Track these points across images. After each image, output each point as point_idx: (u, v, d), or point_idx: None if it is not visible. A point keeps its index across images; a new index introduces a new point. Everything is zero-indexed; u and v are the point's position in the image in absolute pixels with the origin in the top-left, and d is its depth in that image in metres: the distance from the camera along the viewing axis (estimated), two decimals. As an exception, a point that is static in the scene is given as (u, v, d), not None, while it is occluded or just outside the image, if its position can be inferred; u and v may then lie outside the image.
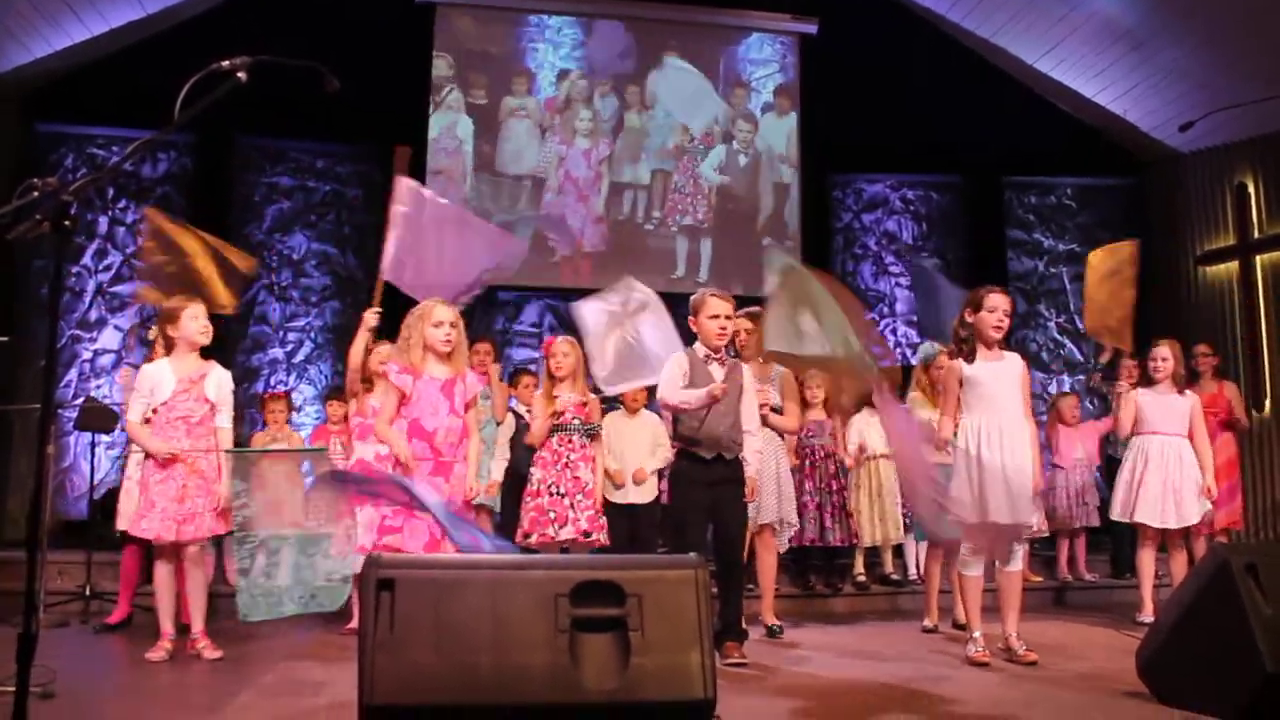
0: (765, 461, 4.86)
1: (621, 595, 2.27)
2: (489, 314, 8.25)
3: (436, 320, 3.98)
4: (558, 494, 4.81)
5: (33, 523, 3.35)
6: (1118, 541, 6.67)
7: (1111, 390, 6.92)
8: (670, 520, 4.67)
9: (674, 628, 2.27)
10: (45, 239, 2.24)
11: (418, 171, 8.02)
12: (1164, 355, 5.32)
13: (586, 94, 8.56)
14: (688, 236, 8.55)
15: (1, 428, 7.37)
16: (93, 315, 7.86)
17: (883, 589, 6.33)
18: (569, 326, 8.16)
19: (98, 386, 7.66)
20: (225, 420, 4.44)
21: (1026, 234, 9.19)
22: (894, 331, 8.93)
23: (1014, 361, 4.39)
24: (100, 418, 5.95)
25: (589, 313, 4.83)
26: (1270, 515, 7.70)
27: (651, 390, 4.87)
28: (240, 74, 2.46)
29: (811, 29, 8.79)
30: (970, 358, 4.33)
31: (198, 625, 4.39)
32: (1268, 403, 7.82)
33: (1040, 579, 6.63)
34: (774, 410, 5.04)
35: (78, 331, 7.80)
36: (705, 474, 4.28)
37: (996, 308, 4.32)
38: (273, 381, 8.02)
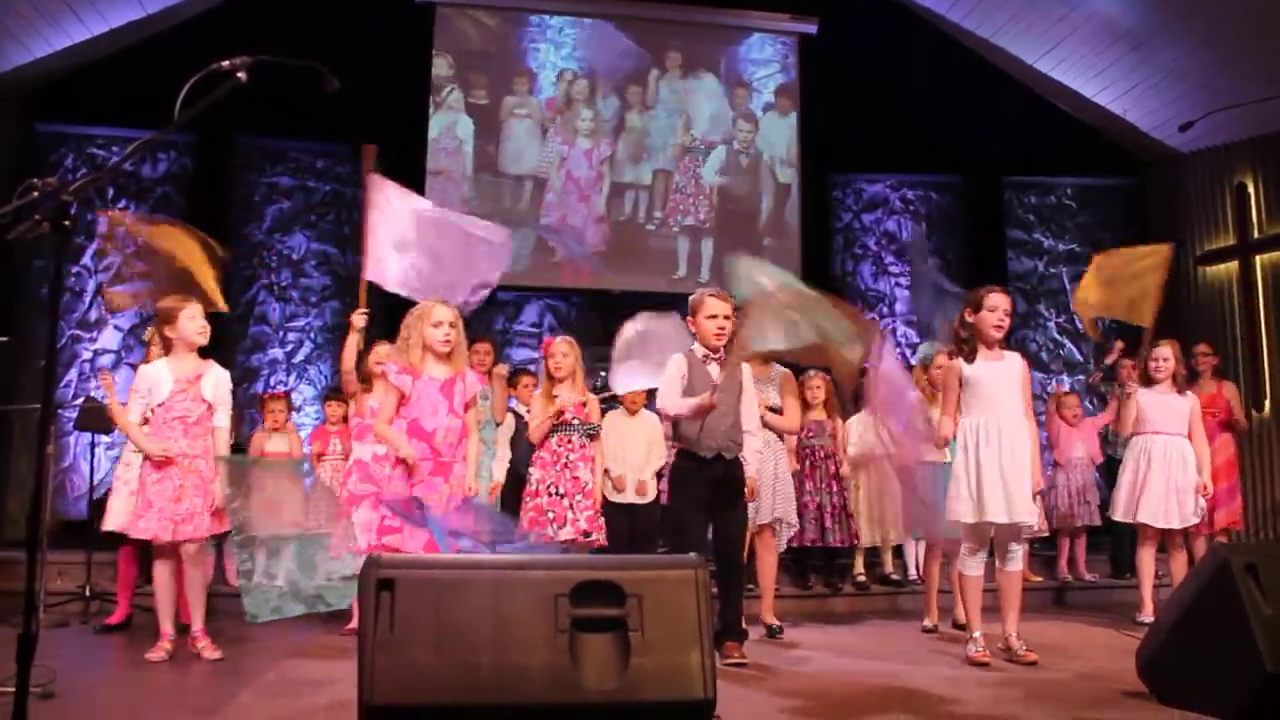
0: (765, 461, 4.86)
1: (621, 595, 2.28)
2: (489, 314, 8.25)
3: (436, 320, 3.98)
4: (557, 494, 4.81)
5: (33, 523, 3.36)
6: (1117, 541, 6.67)
7: (1112, 390, 6.93)
8: (670, 520, 4.67)
9: (674, 628, 2.27)
10: (45, 239, 2.24)
11: (417, 171, 8.06)
12: (1165, 355, 5.32)
13: (588, 94, 8.56)
14: (689, 237, 8.55)
15: (1, 428, 7.37)
16: (93, 315, 7.86)
17: (883, 589, 6.33)
18: (569, 326, 8.24)
19: (97, 386, 7.64)
20: (223, 420, 4.44)
21: (1026, 234, 9.19)
22: (894, 331, 8.92)
23: (1014, 361, 4.39)
24: (100, 418, 5.93)
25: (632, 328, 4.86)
26: (1270, 515, 7.71)
27: (652, 392, 4.88)
28: (240, 74, 2.46)
29: (811, 29, 8.80)
30: (970, 357, 4.34)
31: (197, 623, 4.39)
32: (1267, 403, 7.82)
33: (1040, 579, 6.62)
34: (773, 410, 5.05)
35: (78, 331, 7.81)
36: (705, 474, 4.28)
37: (997, 307, 4.32)
38: (272, 381, 8.02)
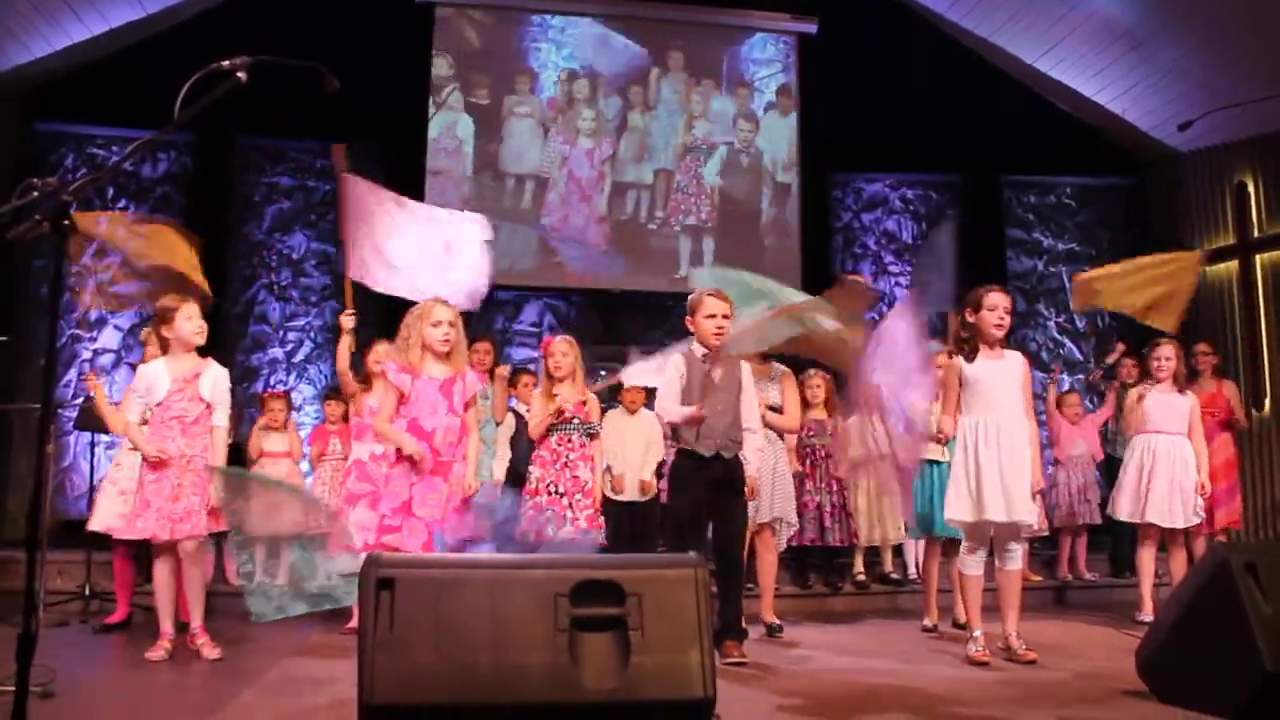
0: (765, 460, 4.86)
1: (621, 594, 2.28)
2: (489, 313, 8.24)
3: (435, 320, 3.98)
4: (556, 493, 4.81)
5: (33, 522, 3.34)
6: (1117, 540, 6.67)
7: (1111, 386, 6.94)
8: (670, 519, 4.66)
9: (674, 627, 2.28)
10: (45, 239, 2.24)
11: (417, 171, 8.06)
12: (1167, 355, 5.33)
13: (589, 94, 8.56)
14: (690, 236, 8.55)
15: (1, 428, 7.37)
16: (93, 315, 7.85)
17: (882, 588, 6.33)
18: (569, 326, 8.24)
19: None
20: (222, 419, 4.43)
21: (1026, 233, 9.18)
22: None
23: (1015, 360, 4.39)
24: (99, 417, 5.94)
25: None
26: (1270, 515, 7.70)
27: (651, 391, 4.88)
28: (240, 74, 2.46)
29: (811, 29, 8.79)
30: (971, 357, 4.34)
31: (196, 621, 4.38)
32: (1267, 402, 7.82)
33: (1040, 578, 6.62)
34: (773, 409, 5.04)
35: (78, 331, 7.80)
36: (705, 473, 4.27)
37: (997, 306, 4.32)
38: (272, 381, 8.02)
